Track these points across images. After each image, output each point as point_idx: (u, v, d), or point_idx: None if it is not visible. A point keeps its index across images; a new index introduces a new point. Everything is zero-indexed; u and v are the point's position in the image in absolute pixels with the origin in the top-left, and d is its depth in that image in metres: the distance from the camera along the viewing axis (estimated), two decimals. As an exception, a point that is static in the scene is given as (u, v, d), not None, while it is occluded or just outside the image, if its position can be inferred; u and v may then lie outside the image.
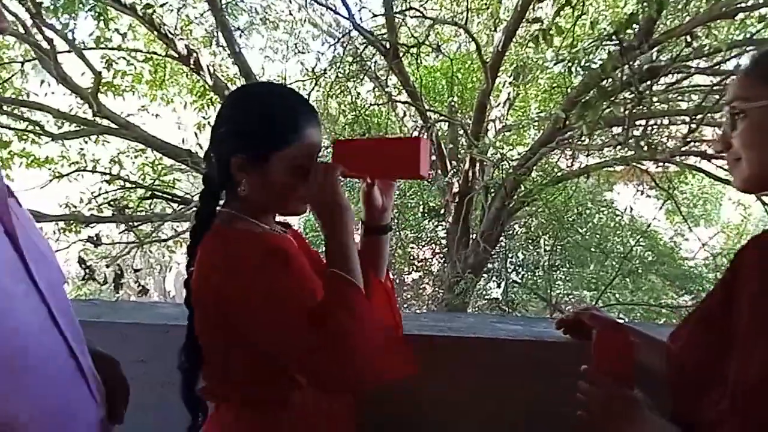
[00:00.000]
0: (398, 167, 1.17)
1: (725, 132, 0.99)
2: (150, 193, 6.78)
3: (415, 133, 7.92)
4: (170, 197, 6.75)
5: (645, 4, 3.41)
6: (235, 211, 1.17)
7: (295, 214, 1.25)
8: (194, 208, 1.32)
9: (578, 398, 1.06)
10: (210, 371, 1.17)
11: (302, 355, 1.01)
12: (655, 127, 6.31)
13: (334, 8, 6.64)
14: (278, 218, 1.29)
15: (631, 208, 8.67)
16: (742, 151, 0.96)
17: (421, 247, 9.80)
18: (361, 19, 5.87)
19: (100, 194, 6.65)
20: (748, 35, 5.30)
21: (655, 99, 5.27)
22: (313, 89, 6.57)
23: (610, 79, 4.41)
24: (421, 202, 9.18)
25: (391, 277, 1.37)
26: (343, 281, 1.05)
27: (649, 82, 4.81)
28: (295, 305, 1.03)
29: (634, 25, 3.99)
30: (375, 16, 6.17)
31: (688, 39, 3.99)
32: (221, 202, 1.21)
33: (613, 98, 4.35)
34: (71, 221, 6.53)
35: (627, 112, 4.70)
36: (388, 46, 5.62)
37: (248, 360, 1.10)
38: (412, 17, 6.35)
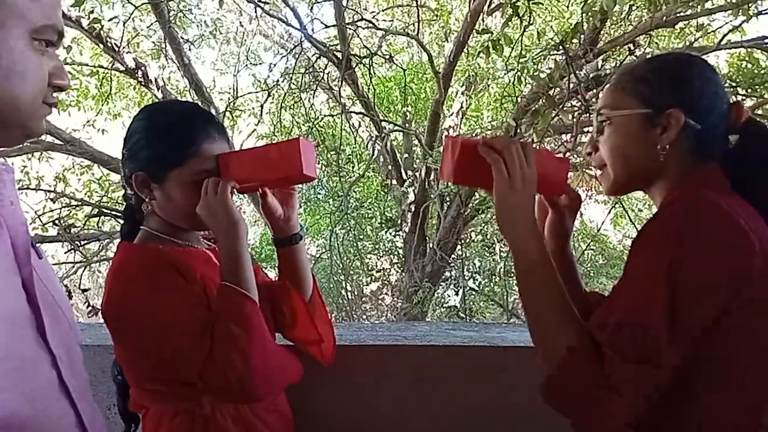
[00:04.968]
0: (282, 170, 1.14)
1: (593, 136, 1.06)
2: (97, 210, 6.58)
3: (370, 144, 7.95)
4: (118, 214, 6.56)
5: (589, 14, 3.51)
6: (151, 227, 1.18)
7: (205, 229, 1.23)
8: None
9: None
10: (130, 382, 1.18)
11: (194, 365, 1.03)
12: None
13: (285, 20, 6.61)
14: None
15: (582, 213, 8.88)
16: (607, 157, 1.02)
17: (379, 257, 9.79)
18: (312, 30, 5.84)
19: (44, 213, 6.41)
20: (687, 43, 5.53)
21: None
22: (266, 101, 6.51)
23: (557, 88, 4.52)
24: (378, 213, 9.18)
25: (318, 287, 1.36)
26: (234, 293, 1.07)
27: (595, 91, 4.94)
28: (186, 316, 1.05)
29: (580, 35, 4.10)
30: (327, 27, 6.17)
31: (631, 47, 4.12)
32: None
33: (561, 106, 4.45)
34: (14, 241, 6.25)
35: (574, 119, 4.82)
36: (340, 56, 5.62)
37: (153, 369, 1.10)
38: (364, 28, 6.37)
